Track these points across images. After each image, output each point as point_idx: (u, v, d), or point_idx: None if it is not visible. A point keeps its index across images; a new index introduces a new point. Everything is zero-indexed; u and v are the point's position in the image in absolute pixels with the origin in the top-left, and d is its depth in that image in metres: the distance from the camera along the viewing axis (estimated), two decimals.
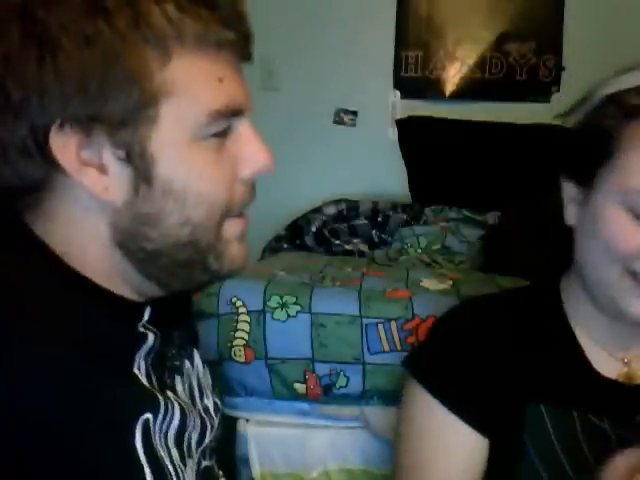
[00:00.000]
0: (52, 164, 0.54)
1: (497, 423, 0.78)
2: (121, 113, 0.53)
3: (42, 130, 0.53)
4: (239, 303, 1.26)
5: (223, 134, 0.58)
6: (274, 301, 1.26)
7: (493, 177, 2.17)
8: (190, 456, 0.63)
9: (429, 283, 1.41)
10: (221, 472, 0.74)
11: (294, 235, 2.31)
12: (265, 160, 0.61)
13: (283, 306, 1.25)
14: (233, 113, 0.58)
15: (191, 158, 0.56)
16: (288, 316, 1.25)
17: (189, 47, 0.54)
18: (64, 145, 0.53)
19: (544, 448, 0.74)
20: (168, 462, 0.58)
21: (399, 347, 1.24)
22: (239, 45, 0.58)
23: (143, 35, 0.52)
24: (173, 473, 0.58)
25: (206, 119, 0.56)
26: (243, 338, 1.25)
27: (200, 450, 0.66)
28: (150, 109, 0.54)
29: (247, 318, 1.25)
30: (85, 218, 0.57)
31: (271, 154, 0.62)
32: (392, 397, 1.26)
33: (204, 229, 0.58)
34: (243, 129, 0.60)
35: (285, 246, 2.27)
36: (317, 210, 2.34)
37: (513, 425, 0.76)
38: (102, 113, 0.52)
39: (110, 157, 0.55)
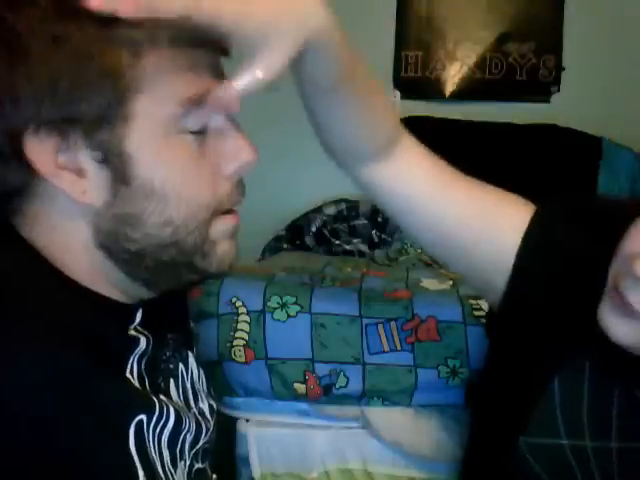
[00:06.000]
0: (30, 169, 0.53)
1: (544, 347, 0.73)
2: (95, 113, 0.52)
3: (17, 135, 0.52)
4: (239, 303, 1.26)
5: (202, 130, 0.57)
6: (274, 301, 1.26)
7: (493, 177, 2.16)
8: (182, 459, 0.62)
9: (429, 283, 1.41)
10: (215, 475, 0.74)
11: (294, 235, 2.31)
12: (248, 155, 0.59)
13: (283, 306, 1.25)
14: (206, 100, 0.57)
15: (170, 156, 0.55)
16: (288, 316, 1.25)
17: (162, 46, 0.54)
18: (40, 150, 0.52)
19: (571, 400, 0.70)
20: (159, 465, 0.57)
21: (399, 347, 1.24)
22: (214, 41, 0.57)
23: (113, 35, 0.52)
24: (163, 476, 0.58)
25: (179, 109, 0.54)
26: (243, 338, 1.25)
27: (193, 453, 0.65)
28: (124, 107, 0.53)
29: (247, 318, 1.25)
30: (66, 221, 0.57)
31: (255, 148, 0.60)
32: (392, 397, 1.26)
33: (188, 229, 0.57)
34: (223, 124, 0.59)
35: (285, 246, 2.27)
36: (317, 210, 2.34)
37: (551, 365, 0.72)
38: (76, 114, 0.52)
39: (87, 160, 0.54)
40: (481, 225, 0.75)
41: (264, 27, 0.52)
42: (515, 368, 0.75)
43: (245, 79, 0.52)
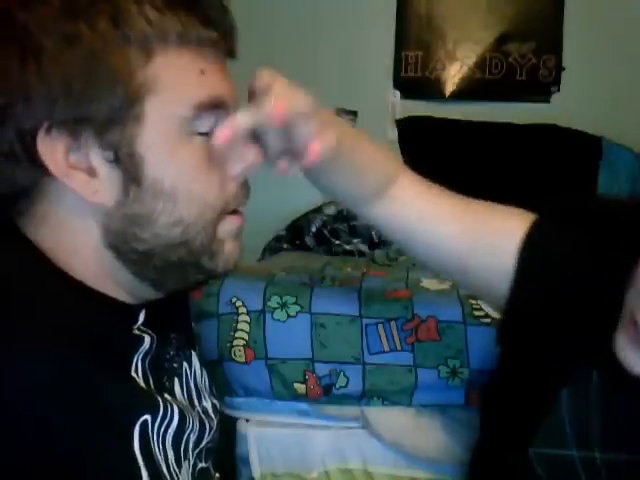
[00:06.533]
0: (40, 169, 0.53)
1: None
2: (107, 113, 0.52)
3: (29, 135, 0.52)
4: (239, 303, 1.26)
5: (210, 133, 0.58)
6: (274, 301, 1.26)
7: (493, 177, 2.17)
8: (186, 458, 0.62)
9: (429, 283, 1.41)
10: (217, 474, 0.74)
11: (294, 235, 2.31)
12: (253, 157, 0.60)
13: (283, 306, 1.25)
14: (217, 105, 0.57)
15: (180, 157, 0.56)
16: (288, 316, 1.25)
17: (172, 45, 0.54)
18: (52, 149, 0.53)
19: (579, 410, 0.69)
20: (163, 465, 0.57)
21: (399, 347, 1.24)
22: (221, 42, 0.58)
23: (124, 35, 0.52)
24: (167, 476, 0.58)
25: (191, 112, 0.55)
26: (243, 338, 1.25)
27: (196, 452, 0.65)
28: (135, 107, 0.53)
29: (247, 318, 1.25)
30: (76, 221, 0.57)
31: (259, 150, 0.61)
32: (392, 397, 1.26)
33: (197, 229, 0.58)
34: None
35: (285, 246, 2.27)
36: (317, 210, 2.34)
37: (558, 376, 0.71)
38: (88, 114, 0.52)
39: (99, 159, 0.54)
40: (478, 245, 0.75)
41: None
42: (523, 378, 0.75)
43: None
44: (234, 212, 0.62)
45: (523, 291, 0.73)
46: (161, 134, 0.55)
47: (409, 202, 0.75)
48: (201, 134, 0.57)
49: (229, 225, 0.61)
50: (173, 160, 0.56)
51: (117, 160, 0.54)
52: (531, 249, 0.73)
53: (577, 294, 0.71)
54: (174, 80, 0.55)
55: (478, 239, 0.75)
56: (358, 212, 0.77)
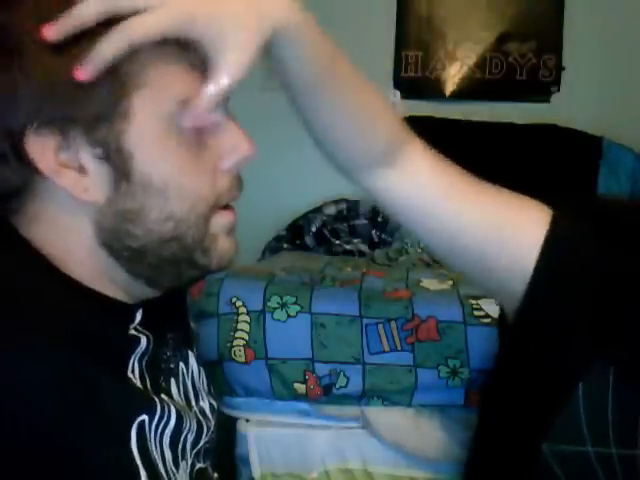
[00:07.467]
0: (30, 168, 0.53)
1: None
2: (94, 110, 0.52)
3: (18, 135, 0.52)
4: (239, 303, 1.26)
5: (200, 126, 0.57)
6: (274, 301, 1.26)
7: (493, 177, 2.17)
8: (184, 458, 0.62)
9: (429, 283, 1.41)
10: (216, 474, 0.74)
11: (294, 235, 2.31)
12: (246, 149, 0.59)
13: (283, 306, 1.25)
14: None
15: (169, 151, 0.56)
16: (288, 316, 1.25)
17: (157, 41, 0.54)
18: (41, 149, 0.53)
19: (595, 406, 0.69)
20: (161, 465, 0.57)
21: (399, 347, 1.24)
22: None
23: (108, 30, 0.52)
24: (165, 477, 0.58)
25: (177, 107, 0.55)
26: (243, 338, 1.25)
27: (194, 452, 0.65)
28: (122, 103, 0.53)
29: (247, 318, 1.25)
30: (68, 220, 0.57)
31: (252, 142, 0.60)
32: (392, 397, 1.26)
33: (188, 224, 0.58)
34: (220, 119, 0.59)
35: (285, 246, 2.27)
36: (317, 210, 2.34)
37: (575, 371, 0.70)
38: (76, 112, 0.52)
39: (88, 157, 0.54)
40: (496, 235, 0.72)
41: (209, 29, 0.52)
42: (537, 373, 0.74)
43: (213, 89, 0.53)
44: (226, 207, 0.62)
45: (542, 289, 0.71)
46: (149, 129, 0.55)
47: (423, 177, 0.70)
48: (190, 128, 0.57)
49: (221, 220, 0.61)
50: (162, 155, 0.56)
51: (106, 157, 0.54)
52: (553, 248, 0.71)
53: (596, 288, 0.69)
54: (160, 76, 0.54)
55: (498, 235, 0.71)
56: (362, 180, 0.70)
